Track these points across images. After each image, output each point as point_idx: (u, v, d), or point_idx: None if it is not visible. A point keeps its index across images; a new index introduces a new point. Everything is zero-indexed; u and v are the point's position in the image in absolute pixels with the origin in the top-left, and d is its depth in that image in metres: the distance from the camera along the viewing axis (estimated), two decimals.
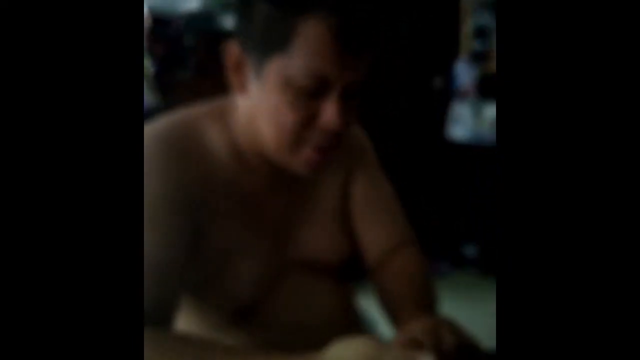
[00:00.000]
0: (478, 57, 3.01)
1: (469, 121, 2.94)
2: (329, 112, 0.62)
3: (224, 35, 2.49)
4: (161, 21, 2.47)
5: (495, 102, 2.92)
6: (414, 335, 0.60)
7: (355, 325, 0.83)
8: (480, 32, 3.05)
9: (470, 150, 2.96)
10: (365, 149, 0.87)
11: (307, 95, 0.62)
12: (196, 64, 2.46)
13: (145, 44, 2.42)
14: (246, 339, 0.73)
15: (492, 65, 2.98)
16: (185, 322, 0.74)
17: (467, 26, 3.09)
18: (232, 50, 0.66)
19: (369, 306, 0.89)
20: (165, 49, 2.44)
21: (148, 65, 2.38)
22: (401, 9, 3.01)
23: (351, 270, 0.84)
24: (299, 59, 0.60)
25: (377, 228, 0.84)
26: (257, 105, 0.66)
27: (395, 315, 0.76)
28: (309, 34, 0.59)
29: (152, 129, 0.70)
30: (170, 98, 2.29)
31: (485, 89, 2.94)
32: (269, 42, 0.61)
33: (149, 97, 2.37)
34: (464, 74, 2.97)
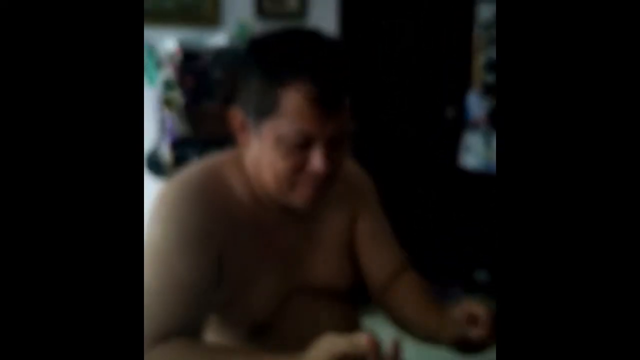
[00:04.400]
0: (490, 89, 3.00)
1: (481, 150, 2.95)
2: (315, 160, 0.73)
3: None
4: (191, 56, 2.54)
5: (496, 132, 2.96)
6: (472, 309, 0.75)
7: None
8: (492, 66, 3.01)
9: (481, 178, 2.94)
10: (367, 189, 0.98)
11: (296, 148, 0.73)
12: (223, 95, 2.49)
13: (176, 76, 2.49)
14: None
15: None
16: (207, 337, 0.82)
17: (480, 60, 3.07)
18: (236, 114, 0.79)
19: (374, 326, 0.99)
20: (194, 81, 2.50)
21: (178, 96, 2.47)
22: (417, 41, 3.05)
23: (358, 294, 0.94)
24: (285, 121, 0.72)
25: (380, 257, 0.94)
26: (258, 157, 0.77)
27: (420, 320, 0.87)
28: (290, 101, 0.71)
29: (185, 176, 0.83)
30: (199, 126, 2.40)
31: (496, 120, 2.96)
32: (261, 108, 0.74)
33: (179, 126, 2.44)
34: (476, 105, 2.99)
